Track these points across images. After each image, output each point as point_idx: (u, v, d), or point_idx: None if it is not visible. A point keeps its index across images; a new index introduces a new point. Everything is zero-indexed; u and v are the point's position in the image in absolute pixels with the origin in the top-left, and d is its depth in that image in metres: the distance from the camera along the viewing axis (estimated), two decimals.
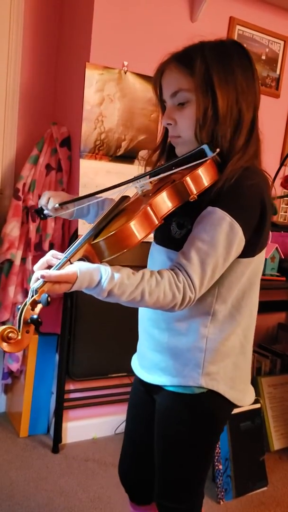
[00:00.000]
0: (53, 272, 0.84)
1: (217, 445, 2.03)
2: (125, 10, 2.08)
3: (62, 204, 1.14)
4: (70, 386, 2.26)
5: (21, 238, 2.15)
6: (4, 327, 0.82)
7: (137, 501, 1.35)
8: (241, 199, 0.97)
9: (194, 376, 1.07)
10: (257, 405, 2.20)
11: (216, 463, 2.03)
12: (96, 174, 2.11)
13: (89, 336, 2.21)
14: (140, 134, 2.19)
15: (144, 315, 1.17)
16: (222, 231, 0.95)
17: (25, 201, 2.16)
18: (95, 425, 2.37)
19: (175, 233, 1.05)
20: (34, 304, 0.84)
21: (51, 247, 2.22)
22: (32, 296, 0.85)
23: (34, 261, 2.17)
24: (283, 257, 2.20)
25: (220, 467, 2.03)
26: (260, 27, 2.44)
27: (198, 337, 1.06)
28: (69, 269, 0.85)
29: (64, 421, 2.25)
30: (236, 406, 1.14)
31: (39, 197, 2.18)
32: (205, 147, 0.97)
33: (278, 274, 2.16)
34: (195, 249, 0.95)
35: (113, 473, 2.09)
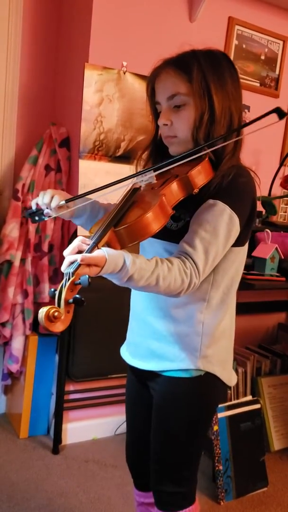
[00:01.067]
0: (87, 255, 0.89)
1: (217, 446, 2.03)
2: (124, 10, 2.08)
3: (68, 201, 1.14)
4: (70, 387, 2.26)
5: (21, 239, 2.15)
6: (48, 307, 0.84)
7: (141, 487, 1.40)
8: (238, 193, 1.09)
9: (192, 359, 1.16)
10: (257, 406, 2.20)
11: (216, 464, 2.02)
12: (95, 175, 2.11)
13: (89, 337, 2.21)
14: (139, 134, 2.19)
15: (139, 304, 1.23)
16: (223, 222, 1.05)
17: (24, 202, 2.16)
18: (95, 426, 2.37)
19: (171, 225, 1.14)
20: (73, 285, 0.88)
21: (51, 248, 2.21)
22: (69, 278, 0.88)
23: (34, 262, 2.18)
24: (282, 257, 2.19)
25: (221, 467, 2.03)
26: (259, 27, 2.44)
27: (195, 322, 1.15)
28: (98, 253, 0.91)
29: (64, 422, 2.25)
30: (226, 386, 1.23)
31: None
32: (278, 109, 0.98)
33: (278, 274, 2.15)
34: (199, 238, 1.03)
35: (113, 474, 2.09)
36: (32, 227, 2.14)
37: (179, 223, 1.13)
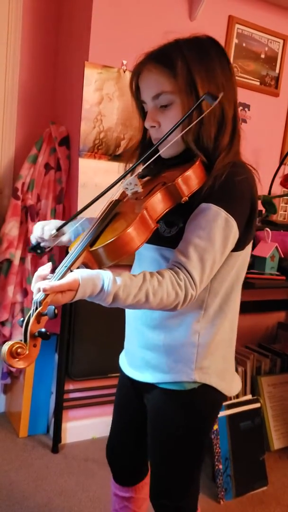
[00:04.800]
0: (54, 283, 0.82)
1: (217, 445, 2.03)
2: (123, 9, 2.07)
3: (58, 229, 1.10)
4: (69, 386, 2.26)
5: (20, 237, 2.15)
6: (11, 342, 0.79)
7: (120, 481, 1.36)
8: (233, 194, 0.98)
9: (187, 371, 1.08)
10: (257, 405, 2.20)
11: (216, 463, 2.02)
12: (95, 173, 2.11)
13: (89, 336, 2.21)
14: (139, 133, 2.18)
15: (132, 314, 1.17)
16: (218, 227, 0.95)
17: (24, 201, 2.15)
18: (95, 425, 2.37)
19: (164, 231, 1.05)
20: (39, 317, 0.82)
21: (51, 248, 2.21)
22: (36, 308, 0.82)
23: (33, 261, 2.18)
24: (282, 256, 2.19)
25: (220, 466, 2.02)
26: (259, 25, 2.43)
27: (190, 332, 1.07)
28: (70, 277, 0.83)
29: (64, 421, 2.25)
30: (225, 397, 1.15)
31: (38, 196, 2.18)
32: (205, 96, 0.95)
33: (277, 273, 2.15)
34: (193, 246, 0.94)
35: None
36: (31, 226, 2.13)
37: (172, 229, 1.04)
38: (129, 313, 1.20)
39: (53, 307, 0.81)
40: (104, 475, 2.08)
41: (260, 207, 2.46)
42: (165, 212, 0.97)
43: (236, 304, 1.14)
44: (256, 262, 2.17)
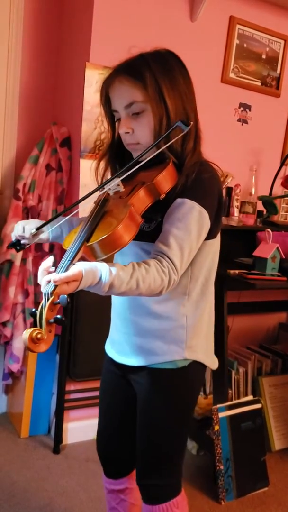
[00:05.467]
0: (62, 274, 0.91)
1: (218, 446, 2.03)
2: (125, 9, 2.08)
3: (38, 228, 1.20)
4: (70, 386, 2.26)
5: None
6: (31, 329, 0.86)
7: (111, 475, 1.41)
8: (204, 189, 1.11)
9: (179, 351, 1.20)
10: (258, 405, 2.20)
11: (217, 464, 2.02)
12: None
13: (90, 336, 2.21)
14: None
15: (121, 303, 1.25)
16: (194, 218, 1.08)
17: (25, 202, 2.16)
18: (96, 425, 2.36)
19: (143, 227, 1.15)
20: (52, 306, 0.90)
21: (52, 247, 2.21)
22: (48, 298, 0.90)
23: (34, 262, 2.18)
24: (283, 257, 2.19)
25: (221, 467, 2.02)
26: (261, 26, 2.44)
27: (178, 316, 1.19)
28: (74, 269, 0.93)
29: (65, 421, 2.25)
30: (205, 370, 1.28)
31: (39, 197, 2.19)
32: (179, 123, 1.06)
33: (279, 274, 2.15)
34: (172, 236, 1.06)
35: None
36: None
37: (151, 223, 1.15)
38: (117, 303, 1.28)
39: (66, 295, 0.89)
40: None
41: (261, 207, 2.46)
42: (146, 207, 1.09)
43: (213, 288, 1.26)
44: (257, 263, 2.17)
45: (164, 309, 1.18)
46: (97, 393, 2.31)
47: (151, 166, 1.12)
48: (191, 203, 1.08)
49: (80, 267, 0.94)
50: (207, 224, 1.11)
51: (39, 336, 0.86)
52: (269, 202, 2.42)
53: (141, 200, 1.08)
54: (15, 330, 2.19)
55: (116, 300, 1.28)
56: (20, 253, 2.14)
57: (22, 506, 1.84)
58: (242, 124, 2.51)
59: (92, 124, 2.08)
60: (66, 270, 0.93)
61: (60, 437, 2.22)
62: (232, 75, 2.41)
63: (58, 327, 2.20)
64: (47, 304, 0.89)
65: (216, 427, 2.04)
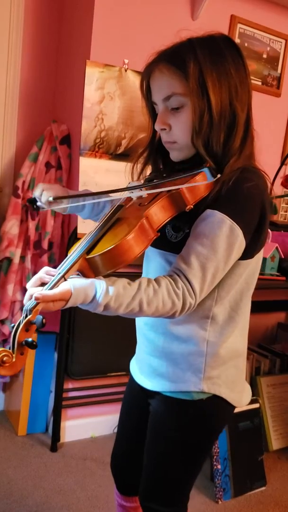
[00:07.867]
0: (46, 293, 0.81)
1: (216, 445, 2.03)
2: (125, 7, 2.07)
3: (56, 199, 1.10)
4: (68, 384, 2.26)
5: (20, 236, 2.15)
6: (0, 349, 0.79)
7: (123, 491, 1.34)
8: (240, 201, 0.95)
9: (195, 381, 1.05)
10: (256, 405, 2.20)
11: (215, 463, 2.02)
12: (96, 172, 2.10)
13: (88, 335, 2.21)
14: (140, 132, 2.18)
15: (141, 319, 1.15)
16: (223, 234, 0.92)
17: (24, 199, 2.15)
18: (94, 423, 2.37)
19: (171, 236, 1.03)
20: (28, 325, 0.81)
21: (50, 245, 2.21)
22: (26, 316, 0.82)
23: (33, 259, 2.18)
24: (283, 256, 2.19)
25: (219, 466, 2.02)
26: (262, 25, 2.43)
27: (198, 341, 1.04)
28: (62, 287, 0.83)
29: (63, 419, 2.25)
30: (234, 408, 1.12)
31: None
32: (205, 170, 0.92)
33: (278, 273, 2.15)
34: (195, 253, 0.92)
35: (111, 472, 2.09)
36: (32, 224, 2.14)
37: (178, 234, 1.01)
38: (138, 319, 1.16)
39: (41, 317, 0.81)
40: (103, 474, 2.08)
41: None
42: (166, 221, 0.94)
43: (246, 312, 1.11)
44: None
45: (182, 330, 1.04)
46: (95, 392, 2.34)
47: (186, 170, 0.98)
48: (222, 216, 0.92)
49: (69, 285, 0.83)
50: (240, 242, 0.94)
51: (4, 359, 0.79)
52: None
53: (160, 212, 0.93)
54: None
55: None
56: (19, 251, 2.14)
57: (19, 504, 1.84)
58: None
59: (92, 122, 2.07)
60: (55, 286, 0.83)
61: (58, 435, 2.22)
62: None
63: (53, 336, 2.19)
64: (23, 323, 0.81)
65: None
